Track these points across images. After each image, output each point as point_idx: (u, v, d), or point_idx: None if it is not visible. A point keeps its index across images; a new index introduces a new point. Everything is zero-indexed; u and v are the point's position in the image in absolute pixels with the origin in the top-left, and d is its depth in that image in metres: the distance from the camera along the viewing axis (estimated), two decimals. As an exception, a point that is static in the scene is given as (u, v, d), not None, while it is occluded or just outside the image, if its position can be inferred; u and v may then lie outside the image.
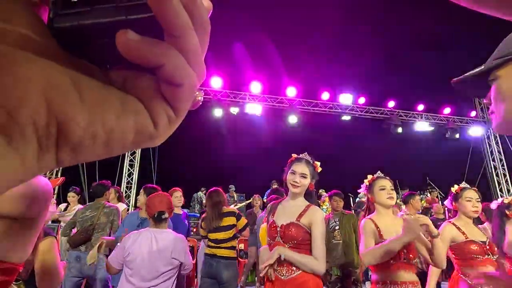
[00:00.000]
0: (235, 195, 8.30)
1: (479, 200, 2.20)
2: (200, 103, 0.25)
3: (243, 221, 3.02)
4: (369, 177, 2.12)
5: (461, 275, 2.08)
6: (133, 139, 0.19)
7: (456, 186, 2.30)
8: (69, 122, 0.16)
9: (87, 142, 0.17)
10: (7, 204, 0.74)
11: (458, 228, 2.14)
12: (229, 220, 2.92)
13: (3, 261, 0.74)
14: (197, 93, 0.22)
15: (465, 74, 0.77)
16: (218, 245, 2.88)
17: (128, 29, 0.17)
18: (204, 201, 8.38)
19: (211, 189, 3.14)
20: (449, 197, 2.35)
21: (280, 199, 2.07)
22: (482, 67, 0.72)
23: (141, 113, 0.19)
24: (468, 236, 2.09)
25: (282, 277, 1.72)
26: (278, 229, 1.83)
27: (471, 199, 2.17)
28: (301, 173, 1.87)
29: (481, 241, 2.07)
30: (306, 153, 2.00)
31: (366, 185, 2.09)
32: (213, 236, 2.90)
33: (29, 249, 0.80)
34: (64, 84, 0.17)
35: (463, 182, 2.33)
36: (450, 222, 2.22)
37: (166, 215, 2.08)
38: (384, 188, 1.98)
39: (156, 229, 2.04)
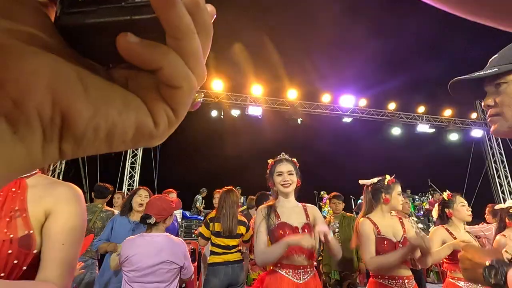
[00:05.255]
0: (242, 198, 8.11)
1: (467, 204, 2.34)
2: (199, 105, 0.26)
3: (250, 232, 3.00)
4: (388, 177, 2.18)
5: (451, 279, 2.11)
6: (133, 136, 0.20)
7: (445, 194, 2.37)
8: (73, 113, 0.17)
9: (90, 134, 0.18)
10: None
11: (450, 233, 2.22)
12: (241, 229, 2.91)
13: None
14: (197, 95, 0.23)
15: (465, 76, 0.78)
16: (229, 251, 2.82)
17: (128, 32, 0.17)
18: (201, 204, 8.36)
19: (226, 188, 3.04)
20: (438, 205, 2.39)
21: (269, 201, 2.00)
22: (495, 69, 0.73)
23: (143, 111, 0.20)
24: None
25: (299, 281, 1.69)
26: (300, 231, 1.78)
27: (464, 204, 2.28)
28: (288, 171, 1.91)
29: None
30: (283, 153, 2.05)
31: None
32: (224, 241, 2.83)
33: None
34: (69, 77, 0.17)
35: (446, 190, 2.42)
36: (442, 226, 2.30)
37: (153, 220, 1.96)
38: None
39: (151, 233, 1.98)
